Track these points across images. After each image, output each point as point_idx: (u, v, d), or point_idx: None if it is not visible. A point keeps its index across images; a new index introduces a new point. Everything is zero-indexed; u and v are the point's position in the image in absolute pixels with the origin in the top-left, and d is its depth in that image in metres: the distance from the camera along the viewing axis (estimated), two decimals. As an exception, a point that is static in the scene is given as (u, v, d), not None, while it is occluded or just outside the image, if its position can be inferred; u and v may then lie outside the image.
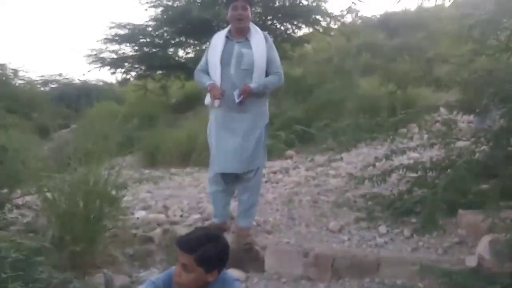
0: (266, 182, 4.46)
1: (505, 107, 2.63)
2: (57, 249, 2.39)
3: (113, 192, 3.07)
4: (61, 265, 2.39)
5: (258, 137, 2.96)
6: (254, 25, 3.02)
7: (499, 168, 2.68)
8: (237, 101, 2.82)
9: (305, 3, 9.30)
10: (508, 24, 2.82)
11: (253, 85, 2.88)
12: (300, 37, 10.11)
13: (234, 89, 2.84)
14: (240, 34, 2.95)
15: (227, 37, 2.96)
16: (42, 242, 2.22)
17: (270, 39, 3.03)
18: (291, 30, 9.89)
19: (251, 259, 2.95)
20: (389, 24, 10.86)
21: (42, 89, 14.00)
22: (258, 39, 2.95)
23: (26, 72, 13.11)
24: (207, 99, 2.99)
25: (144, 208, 3.74)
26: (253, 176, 2.98)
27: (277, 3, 9.05)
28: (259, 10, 9.20)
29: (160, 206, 3.76)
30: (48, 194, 2.79)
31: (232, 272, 2.23)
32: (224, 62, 2.89)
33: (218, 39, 2.97)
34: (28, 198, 3.45)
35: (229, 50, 2.90)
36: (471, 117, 5.24)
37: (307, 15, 9.38)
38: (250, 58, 2.87)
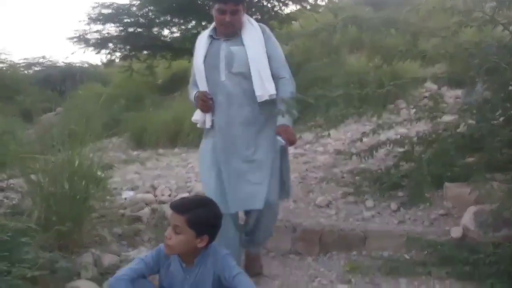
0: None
1: (489, 79, 2.63)
2: (43, 230, 2.36)
3: (99, 173, 3.05)
4: (47, 246, 2.37)
5: (274, 157, 2.25)
6: (248, 17, 2.37)
7: (484, 141, 2.70)
8: (283, 144, 2.20)
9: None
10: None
11: (282, 120, 2.19)
12: (287, 14, 9.97)
13: (229, 101, 2.23)
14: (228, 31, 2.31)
15: (211, 36, 2.33)
16: (28, 223, 2.19)
17: (269, 31, 2.35)
18: (278, 8, 9.74)
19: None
20: (375, -1, 10.79)
21: (25, 72, 13.71)
22: (252, 33, 2.28)
23: (7, 54, 12.82)
24: (195, 116, 2.41)
25: (131, 189, 3.72)
26: (267, 212, 2.25)
27: (264, -20, 8.90)
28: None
29: (148, 186, 3.74)
30: (33, 176, 2.75)
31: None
32: (210, 66, 2.26)
33: (201, 40, 2.35)
34: (13, 181, 3.41)
35: (214, 51, 2.27)
36: (459, 93, 5.28)
37: (294, -8, 9.26)
38: (242, 57, 2.22)
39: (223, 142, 2.24)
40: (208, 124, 2.32)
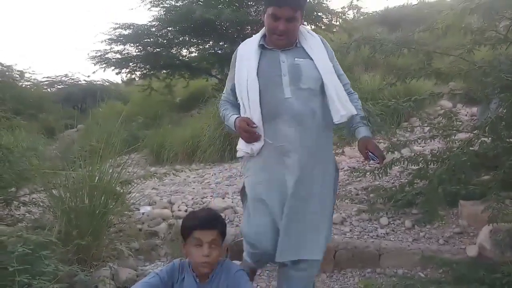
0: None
1: (504, 97, 2.63)
2: (63, 244, 2.44)
3: (118, 188, 3.13)
4: (67, 259, 2.44)
5: (326, 196, 1.89)
6: (306, 27, 1.99)
7: (499, 159, 2.69)
8: (376, 161, 1.88)
9: (307, 0, 9.31)
10: (508, 14, 2.83)
11: (366, 131, 1.91)
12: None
13: (297, 122, 1.79)
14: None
15: (262, 45, 1.89)
16: (49, 237, 2.27)
17: (328, 44, 1.97)
18: (294, 27, 9.90)
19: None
20: (389, 18, 10.86)
21: (48, 90, 14.17)
22: (315, 43, 1.91)
23: (32, 73, 13.32)
24: (239, 146, 1.92)
25: (149, 204, 3.80)
26: (307, 270, 1.87)
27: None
28: (261, 8, 9.22)
29: (165, 201, 3.81)
30: (54, 191, 2.85)
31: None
32: (266, 81, 1.81)
33: (248, 50, 1.90)
34: (35, 196, 3.52)
35: (271, 63, 1.84)
36: (474, 110, 5.25)
37: (309, 12, 9.40)
38: (311, 71, 1.83)
39: (285, 174, 1.80)
40: (256, 152, 1.84)
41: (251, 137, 1.81)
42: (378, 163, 1.89)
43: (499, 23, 3.05)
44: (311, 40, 1.90)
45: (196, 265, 1.72)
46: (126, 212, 3.22)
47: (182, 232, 1.75)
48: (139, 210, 3.60)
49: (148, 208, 3.66)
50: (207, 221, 1.72)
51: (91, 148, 3.47)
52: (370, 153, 1.83)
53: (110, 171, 3.05)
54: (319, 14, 9.32)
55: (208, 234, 1.70)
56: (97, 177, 2.95)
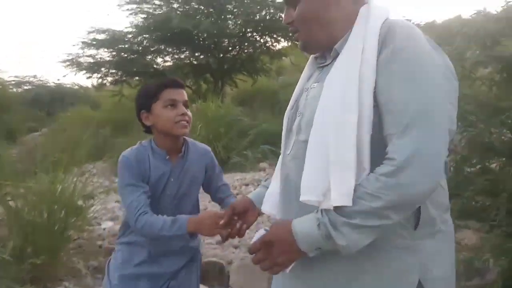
0: (237, 194, 4.47)
1: (466, 132, 2.73)
2: (17, 262, 2.33)
3: (80, 202, 3.04)
4: (20, 278, 2.33)
5: None
6: (371, 7, 0.95)
7: (459, 188, 2.78)
8: None
9: (285, 17, 9.47)
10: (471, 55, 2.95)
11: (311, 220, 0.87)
12: (278, 50, 10.25)
13: (286, 196, 1.02)
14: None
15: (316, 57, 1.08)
16: (2, 254, 2.17)
17: (400, 42, 0.85)
18: (270, 43, 10.02)
19: (216, 273, 2.95)
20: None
21: (14, 90, 13.68)
22: (355, 45, 0.89)
23: (-3, 71, 12.82)
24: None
25: (111, 219, 3.70)
26: None
27: (257, 17, 9.17)
28: (239, 22, 9.29)
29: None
30: (11, 203, 2.73)
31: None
32: (290, 123, 1.06)
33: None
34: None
35: (302, 89, 1.07)
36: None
37: (286, 29, 9.53)
38: (312, 108, 0.95)
39: None
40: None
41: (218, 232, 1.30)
42: None
43: (466, 61, 3.17)
44: (356, 37, 0.91)
45: (170, 126, 1.42)
46: (86, 227, 3.12)
47: (146, 97, 1.45)
48: (100, 225, 3.50)
49: (110, 223, 3.57)
50: (176, 81, 1.48)
51: (55, 158, 3.37)
52: None
53: (73, 183, 2.95)
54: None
55: (181, 93, 1.45)
56: (59, 190, 2.86)
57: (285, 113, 1.09)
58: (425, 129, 0.80)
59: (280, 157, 1.10)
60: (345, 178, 0.82)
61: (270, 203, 1.14)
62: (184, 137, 1.51)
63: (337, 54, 0.94)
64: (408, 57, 0.83)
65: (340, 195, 0.82)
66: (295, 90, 1.10)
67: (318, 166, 0.87)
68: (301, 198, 0.88)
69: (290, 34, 9.79)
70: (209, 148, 1.61)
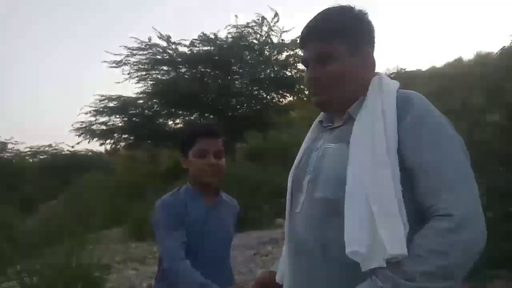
0: (254, 254, 4.37)
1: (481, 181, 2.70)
2: None
3: (97, 274, 3.00)
4: None
5: None
6: (382, 75, 1.03)
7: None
8: None
9: (289, 74, 9.75)
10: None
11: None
12: (285, 105, 10.47)
13: (297, 257, 1.01)
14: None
15: (321, 122, 1.11)
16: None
17: (420, 110, 0.90)
18: (276, 99, 10.26)
19: None
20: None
21: (31, 160, 14.02)
22: (374, 109, 0.94)
23: (15, 144, 13.22)
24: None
25: (128, 288, 3.63)
26: None
27: (263, 75, 9.46)
28: (245, 81, 9.58)
29: (145, 286, 3.65)
30: (27, 280, 2.71)
31: None
32: (296, 179, 1.07)
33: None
34: (5, 285, 3.31)
35: (310, 150, 1.07)
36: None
37: (291, 85, 9.78)
38: (336, 164, 0.94)
39: None
40: None
41: None
42: None
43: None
44: (374, 100, 0.96)
45: (199, 174, 1.45)
46: (103, 299, 3.06)
47: (182, 143, 1.51)
48: (117, 295, 3.43)
49: (128, 292, 3.49)
50: (212, 129, 1.51)
51: (71, 228, 3.37)
52: None
53: (89, 253, 2.94)
54: (301, 86, 9.62)
55: (213, 143, 1.47)
56: (75, 262, 2.84)
57: (290, 172, 1.11)
58: (469, 187, 0.84)
59: (287, 216, 1.08)
60: (395, 228, 0.82)
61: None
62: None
63: (349, 117, 0.98)
64: (433, 121, 0.90)
65: (393, 244, 0.80)
66: (301, 150, 1.13)
67: (361, 218, 0.85)
68: (348, 250, 0.84)
69: (296, 90, 10.01)
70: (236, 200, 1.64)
